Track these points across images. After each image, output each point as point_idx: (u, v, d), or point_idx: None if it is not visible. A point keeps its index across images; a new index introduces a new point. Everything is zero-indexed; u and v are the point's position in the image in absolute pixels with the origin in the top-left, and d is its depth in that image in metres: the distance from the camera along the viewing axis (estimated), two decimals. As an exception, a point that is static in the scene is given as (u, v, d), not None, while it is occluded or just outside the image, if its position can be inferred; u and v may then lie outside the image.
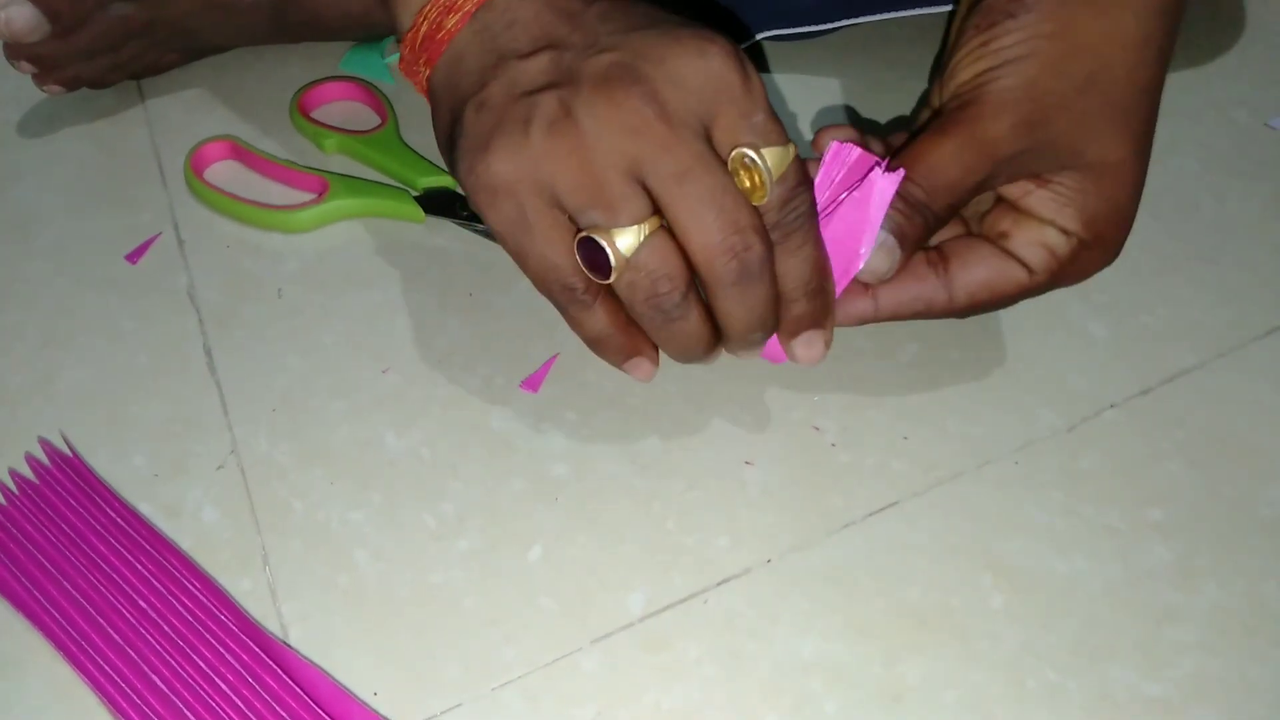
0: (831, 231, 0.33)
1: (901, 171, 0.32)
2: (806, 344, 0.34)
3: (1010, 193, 0.34)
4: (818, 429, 0.37)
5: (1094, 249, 0.34)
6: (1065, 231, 0.33)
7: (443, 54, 0.32)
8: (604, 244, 0.30)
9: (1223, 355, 0.39)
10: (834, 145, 0.33)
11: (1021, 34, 0.32)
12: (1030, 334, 0.39)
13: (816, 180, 0.33)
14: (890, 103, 0.48)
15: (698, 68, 0.29)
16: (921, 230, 0.33)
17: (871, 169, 0.32)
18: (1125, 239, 0.34)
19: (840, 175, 0.33)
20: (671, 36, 0.30)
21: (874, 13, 0.46)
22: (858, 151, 0.32)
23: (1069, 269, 0.34)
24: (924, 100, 0.37)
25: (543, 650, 0.32)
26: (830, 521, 0.35)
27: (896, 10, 0.46)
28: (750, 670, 0.32)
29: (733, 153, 0.30)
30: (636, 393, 0.38)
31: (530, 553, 0.34)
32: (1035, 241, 0.34)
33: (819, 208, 0.33)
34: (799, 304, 0.33)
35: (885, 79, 0.49)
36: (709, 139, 0.30)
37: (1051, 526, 0.34)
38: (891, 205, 0.32)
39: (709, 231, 0.30)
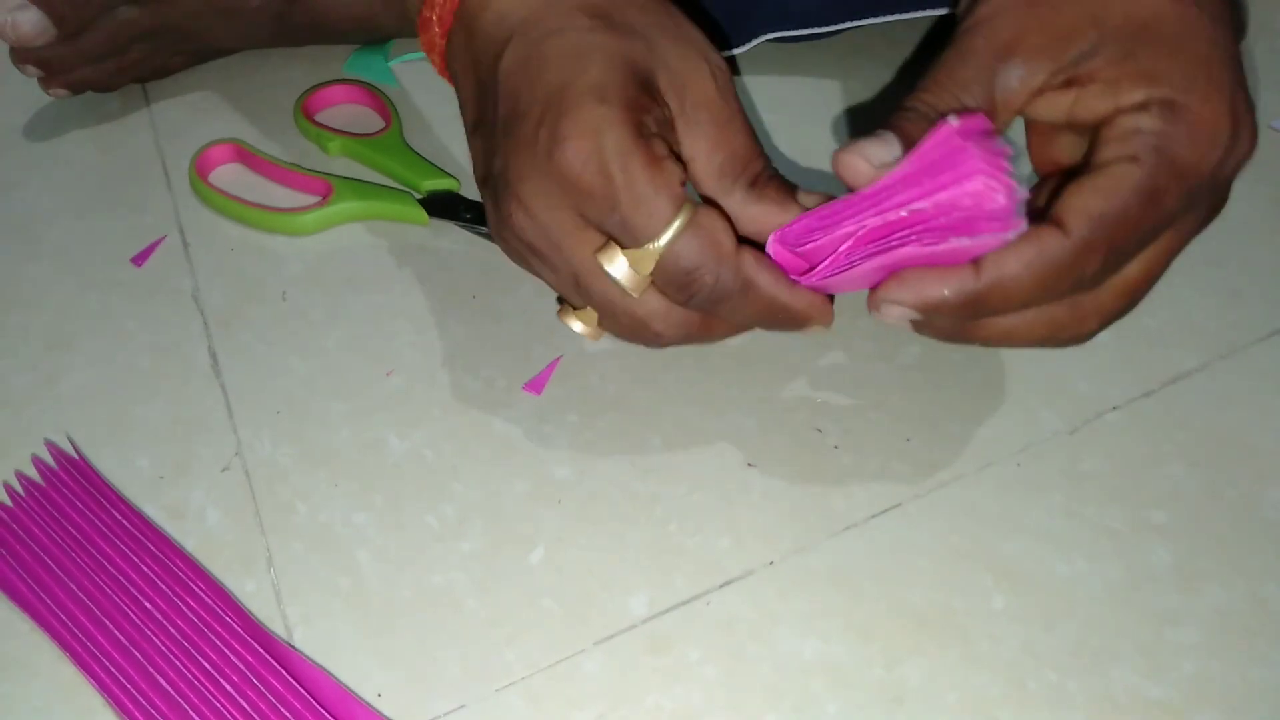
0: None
1: (1018, 226, 0.26)
2: (811, 333, 0.32)
3: (1058, 111, 0.29)
4: (820, 431, 0.37)
5: (1191, 99, 0.27)
6: (1140, 107, 0.27)
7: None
8: (570, 325, 0.33)
9: (1225, 357, 0.39)
10: (947, 134, 0.26)
11: None
12: (1032, 336, 0.39)
13: (910, 162, 0.27)
14: (893, 106, 0.48)
15: (552, 180, 0.28)
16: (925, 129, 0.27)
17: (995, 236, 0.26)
18: (1234, 91, 0.27)
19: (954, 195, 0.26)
20: (528, 140, 0.29)
21: (877, 15, 0.47)
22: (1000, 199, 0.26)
23: (1178, 133, 0.27)
24: None
25: (545, 652, 0.32)
26: (832, 523, 0.35)
27: (899, 13, 0.46)
28: (752, 672, 0.32)
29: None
30: (639, 395, 0.38)
31: (533, 554, 0.34)
32: (1117, 140, 0.27)
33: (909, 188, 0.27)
34: (777, 328, 0.32)
35: (888, 82, 0.49)
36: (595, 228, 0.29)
37: (1053, 528, 0.34)
38: (893, 119, 0.28)
39: (618, 332, 0.32)
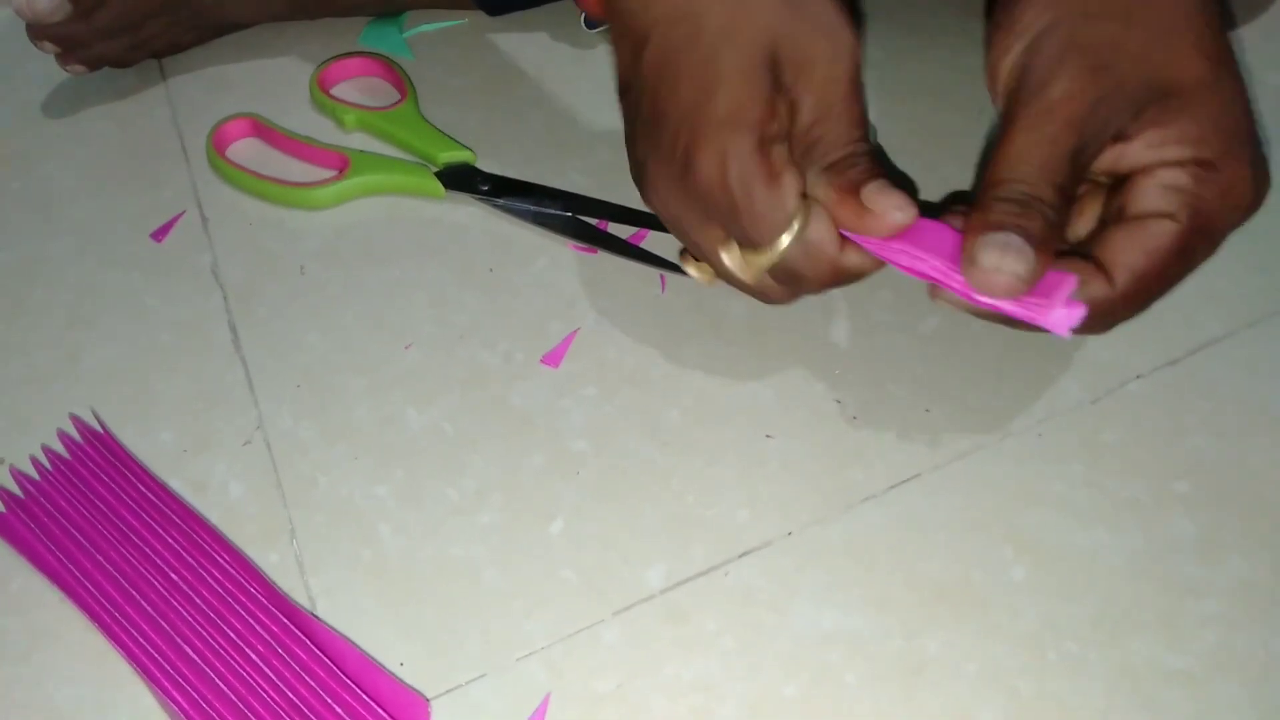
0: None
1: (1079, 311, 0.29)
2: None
3: (1103, 165, 0.31)
4: (839, 402, 0.37)
5: (1225, 162, 0.30)
6: (1179, 163, 0.30)
7: None
8: (688, 269, 0.37)
9: (1250, 325, 0.38)
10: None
11: (1040, 1, 0.31)
12: (1054, 305, 0.39)
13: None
14: (912, 70, 0.47)
15: (684, 188, 0.32)
16: (1042, 225, 0.30)
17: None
18: (1257, 154, 0.31)
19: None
20: (666, 151, 0.32)
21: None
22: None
23: (1210, 195, 0.30)
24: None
25: (564, 622, 0.33)
26: (850, 495, 0.35)
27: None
28: (770, 643, 0.32)
29: None
30: (657, 367, 0.38)
31: (551, 526, 0.35)
32: (1156, 192, 0.30)
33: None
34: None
35: (907, 45, 0.48)
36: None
37: (1074, 499, 0.34)
38: (997, 209, 0.30)
39: (735, 288, 0.35)
